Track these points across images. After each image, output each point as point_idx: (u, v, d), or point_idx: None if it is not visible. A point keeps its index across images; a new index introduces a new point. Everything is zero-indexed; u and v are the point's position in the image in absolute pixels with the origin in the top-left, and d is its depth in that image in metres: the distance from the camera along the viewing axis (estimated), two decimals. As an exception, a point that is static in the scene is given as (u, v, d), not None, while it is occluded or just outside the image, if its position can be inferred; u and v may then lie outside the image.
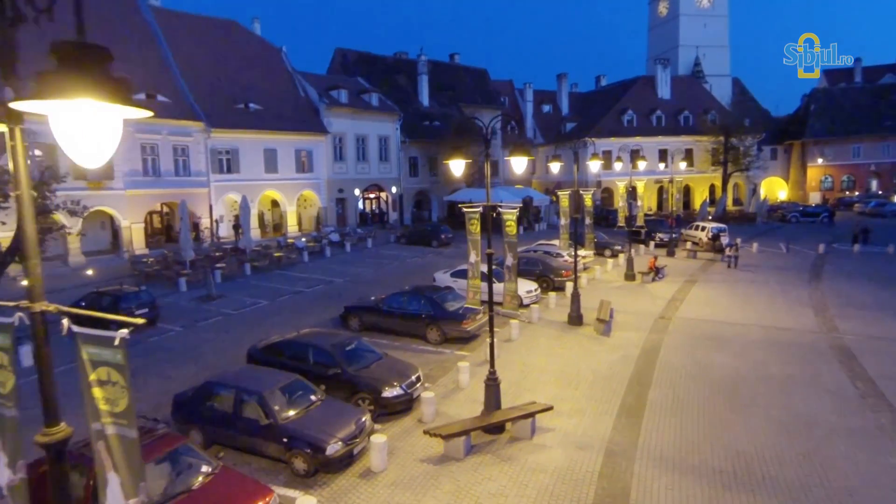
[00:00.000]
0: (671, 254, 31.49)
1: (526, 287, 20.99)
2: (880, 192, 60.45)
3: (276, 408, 10.14)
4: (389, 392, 11.83)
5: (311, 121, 42.11)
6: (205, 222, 35.88)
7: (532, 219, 46.72)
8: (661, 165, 47.16)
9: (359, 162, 45.45)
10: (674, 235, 33.15)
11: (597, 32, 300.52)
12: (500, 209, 10.90)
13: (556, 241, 23.39)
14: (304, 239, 38.31)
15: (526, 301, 20.61)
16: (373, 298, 18.67)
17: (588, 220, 20.69)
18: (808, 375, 13.86)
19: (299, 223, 42.45)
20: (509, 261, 11.07)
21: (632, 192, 28.83)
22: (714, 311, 19.97)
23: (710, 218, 40.72)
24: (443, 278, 22.50)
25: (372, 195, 48.61)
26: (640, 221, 29.92)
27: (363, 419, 10.56)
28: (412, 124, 48.85)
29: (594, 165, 20.41)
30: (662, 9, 74.06)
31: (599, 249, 31.08)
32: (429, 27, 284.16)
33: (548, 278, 23.07)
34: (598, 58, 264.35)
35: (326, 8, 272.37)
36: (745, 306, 20.71)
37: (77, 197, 29.15)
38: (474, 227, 10.88)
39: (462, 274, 21.93)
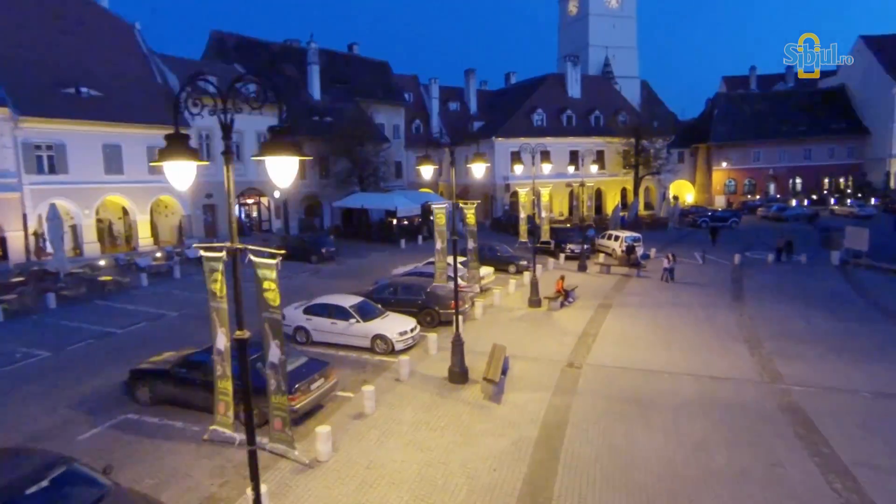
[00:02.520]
0: (583, 268, 27.77)
1: (399, 326, 16.01)
2: (778, 196, 61.58)
3: None
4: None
5: (170, 112, 35.00)
6: (14, 236, 28.23)
7: (433, 228, 42.05)
8: (571, 168, 44.06)
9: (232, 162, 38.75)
10: (585, 247, 29.58)
11: (508, 29, 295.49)
12: (252, 255, 5.98)
13: (463, 257, 18.55)
14: (158, 254, 31.53)
15: (399, 345, 15.69)
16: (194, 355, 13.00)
17: (472, 243, 16.03)
18: (764, 468, 9.84)
19: (155, 234, 35.33)
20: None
21: (536, 199, 24.74)
22: (633, 353, 15.92)
23: (621, 226, 37.82)
24: (294, 315, 16.83)
25: (250, 201, 41.84)
26: (546, 236, 25.82)
27: None
28: (300, 119, 42.68)
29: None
30: (573, 7, 72.19)
31: (502, 266, 26.87)
32: (326, 14, 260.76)
33: (432, 311, 18.12)
34: (509, 55, 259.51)
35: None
36: (670, 343, 16.89)
37: None
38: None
39: (321, 309, 16.69)
